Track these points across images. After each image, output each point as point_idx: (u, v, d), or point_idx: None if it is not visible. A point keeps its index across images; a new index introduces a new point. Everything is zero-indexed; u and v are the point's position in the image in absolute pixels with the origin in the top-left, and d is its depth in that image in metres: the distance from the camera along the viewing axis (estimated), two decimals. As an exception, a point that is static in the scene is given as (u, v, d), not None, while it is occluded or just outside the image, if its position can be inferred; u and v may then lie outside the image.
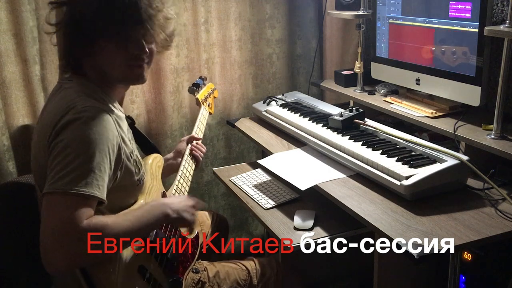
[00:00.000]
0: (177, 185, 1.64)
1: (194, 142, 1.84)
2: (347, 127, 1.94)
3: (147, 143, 1.69)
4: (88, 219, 1.13)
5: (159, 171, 1.59)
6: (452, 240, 1.30)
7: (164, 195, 1.54)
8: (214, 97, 2.20)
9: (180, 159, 1.78)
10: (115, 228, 1.17)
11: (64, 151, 1.14)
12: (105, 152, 1.17)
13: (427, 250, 1.25)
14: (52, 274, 1.19)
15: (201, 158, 1.84)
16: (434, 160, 1.62)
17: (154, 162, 1.59)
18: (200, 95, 2.04)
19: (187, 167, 1.74)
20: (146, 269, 1.33)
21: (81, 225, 1.11)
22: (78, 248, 1.10)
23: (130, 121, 1.57)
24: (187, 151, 1.79)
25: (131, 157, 1.32)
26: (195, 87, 2.02)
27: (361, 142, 1.82)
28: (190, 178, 1.74)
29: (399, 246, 1.28)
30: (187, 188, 1.69)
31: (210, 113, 2.08)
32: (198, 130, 1.91)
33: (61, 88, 1.30)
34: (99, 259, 1.18)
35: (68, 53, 1.31)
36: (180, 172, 1.69)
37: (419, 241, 1.29)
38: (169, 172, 1.79)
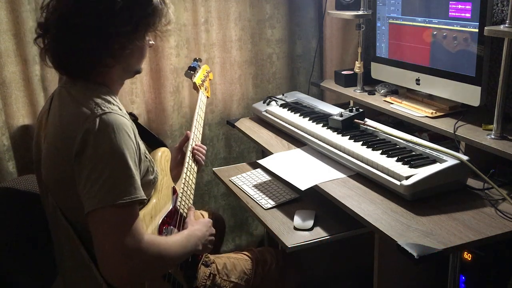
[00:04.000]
0: (185, 178, 1.63)
1: (194, 145, 1.82)
2: (347, 127, 1.94)
3: (152, 138, 1.69)
4: (149, 235, 1.19)
5: (167, 165, 1.59)
6: (451, 240, 1.30)
7: (174, 190, 1.54)
8: (210, 80, 2.16)
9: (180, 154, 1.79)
10: (169, 250, 1.24)
11: (98, 164, 1.13)
12: (132, 155, 1.18)
13: (427, 250, 1.25)
14: (118, 287, 1.20)
15: (203, 162, 1.82)
16: (434, 160, 1.62)
17: (163, 157, 1.58)
18: (197, 79, 1.99)
19: (191, 157, 1.73)
20: None
21: (144, 240, 1.15)
22: (142, 262, 1.14)
23: (133, 117, 1.56)
24: (191, 141, 1.77)
25: (146, 157, 1.33)
26: (191, 71, 1.97)
27: (361, 142, 1.82)
28: (196, 169, 1.73)
29: (399, 246, 1.28)
30: (194, 181, 1.68)
31: (207, 97, 2.05)
32: (199, 117, 1.88)
33: (68, 93, 1.26)
34: (155, 275, 1.27)
35: (90, 57, 1.24)
36: (186, 165, 1.68)
37: (419, 241, 1.29)
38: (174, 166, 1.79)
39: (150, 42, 1.36)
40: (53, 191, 1.28)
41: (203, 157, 1.83)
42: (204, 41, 2.46)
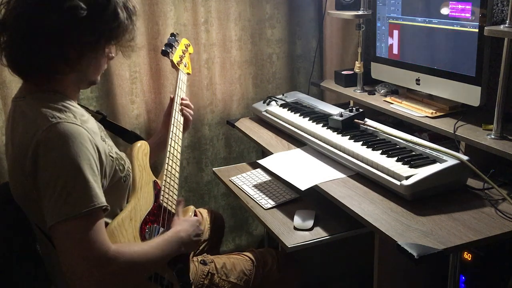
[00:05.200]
0: (167, 169, 1.55)
1: (180, 102, 1.75)
2: (347, 127, 1.94)
3: (126, 133, 1.66)
4: (117, 245, 1.17)
5: (146, 159, 1.52)
6: (451, 240, 1.30)
7: (155, 184, 1.48)
8: (190, 54, 1.98)
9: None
10: (143, 256, 1.22)
11: (51, 177, 1.11)
12: (88, 162, 1.14)
13: (427, 250, 1.25)
14: None
15: (191, 117, 1.77)
16: (434, 160, 1.62)
17: (140, 151, 1.51)
18: (175, 56, 1.81)
19: (173, 145, 1.63)
20: None
21: (110, 250, 1.13)
22: (110, 273, 1.13)
23: (101, 116, 1.53)
24: (171, 127, 1.66)
25: (112, 156, 1.29)
26: (168, 49, 1.80)
27: (361, 142, 1.82)
28: (179, 156, 1.63)
29: (399, 246, 1.28)
30: (178, 169, 1.60)
31: (188, 74, 1.89)
32: (179, 100, 1.76)
33: (19, 108, 1.23)
34: (131, 282, 1.23)
35: (45, 65, 1.20)
36: (168, 154, 1.59)
37: (419, 241, 1.29)
38: (161, 149, 1.74)
39: (110, 55, 1.32)
40: (24, 208, 1.28)
41: (191, 112, 1.77)
42: (204, 41, 2.46)
